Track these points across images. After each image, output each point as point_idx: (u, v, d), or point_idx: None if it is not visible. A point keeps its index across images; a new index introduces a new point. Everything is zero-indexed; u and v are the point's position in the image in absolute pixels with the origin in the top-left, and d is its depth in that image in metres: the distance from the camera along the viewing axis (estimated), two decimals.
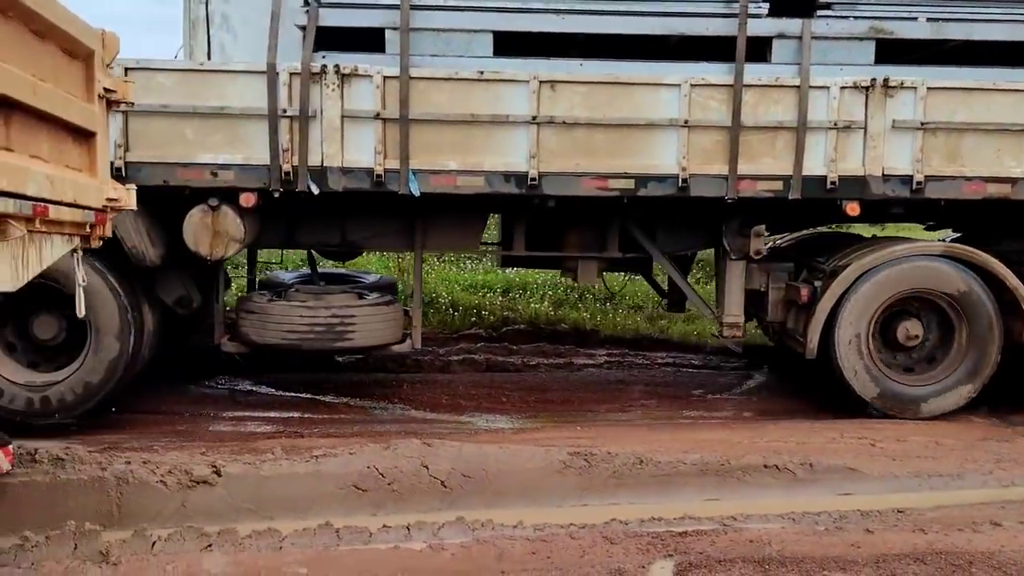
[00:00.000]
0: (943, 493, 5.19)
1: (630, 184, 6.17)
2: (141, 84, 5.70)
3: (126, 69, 5.68)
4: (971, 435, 6.24)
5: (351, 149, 5.97)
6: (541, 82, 5.98)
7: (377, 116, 5.92)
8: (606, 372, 8.27)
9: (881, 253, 6.52)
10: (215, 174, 5.90)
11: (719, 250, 7.02)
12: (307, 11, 6.02)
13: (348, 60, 5.98)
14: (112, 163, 5.69)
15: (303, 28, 6.04)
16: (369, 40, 6.19)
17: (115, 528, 4.42)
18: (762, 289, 6.90)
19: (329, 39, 6.11)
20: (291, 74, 5.86)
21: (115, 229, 5.78)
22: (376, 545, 4.26)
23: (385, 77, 5.90)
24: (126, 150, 5.77)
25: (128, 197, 4.45)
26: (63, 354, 6.15)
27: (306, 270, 8.14)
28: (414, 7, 6.03)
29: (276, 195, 5.96)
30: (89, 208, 4.01)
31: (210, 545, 4.22)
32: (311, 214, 6.62)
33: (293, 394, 7.18)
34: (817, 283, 6.62)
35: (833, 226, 8.04)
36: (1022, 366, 6.69)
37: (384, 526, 4.46)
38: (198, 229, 6.00)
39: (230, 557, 4.12)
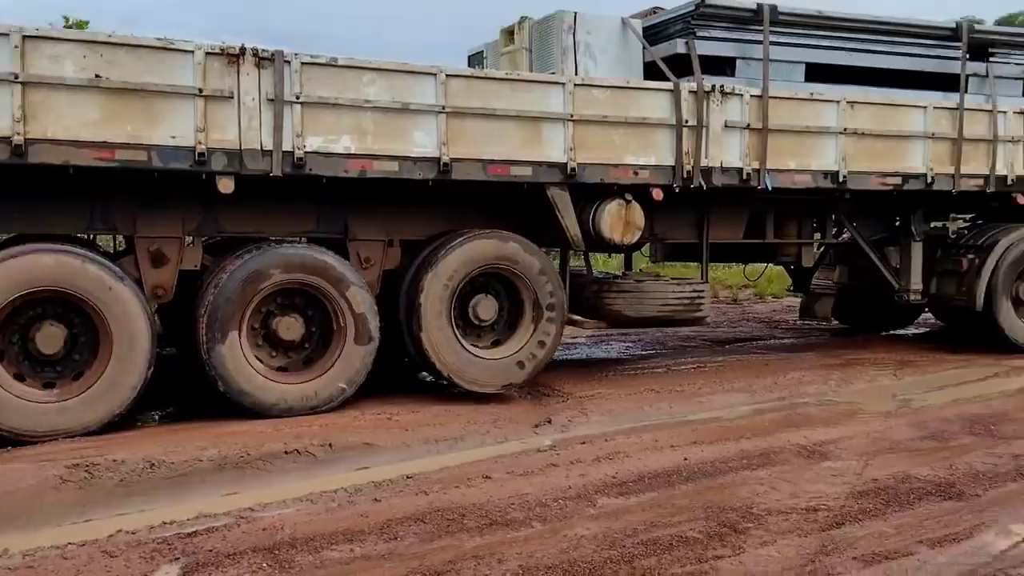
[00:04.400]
0: (448, 455, 5.45)
1: (897, 180, 8.17)
2: (581, 97, 6.86)
3: (574, 83, 6.79)
4: (477, 399, 6.75)
5: (726, 153, 7.43)
6: (848, 102, 7.83)
7: (747, 127, 7.45)
8: None
9: (1019, 232, 8.95)
10: (636, 173, 7.12)
11: (902, 234, 9.18)
12: (686, 42, 7.44)
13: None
14: (566, 164, 6.79)
15: (659, 58, 7.45)
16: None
17: None
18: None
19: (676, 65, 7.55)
20: (690, 92, 7.23)
21: (561, 219, 6.88)
22: None
23: (752, 96, 7.46)
24: (576, 152, 6.82)
25: None
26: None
27: None
28: (759, 43, 7.64)
29: (676, 190, 7.27)
30: None
31: None
32: None
33: None
34: (971, 256, 8.93)
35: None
36: None
37: None
38: (614, 220, 7.17)
39: None
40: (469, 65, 9.09)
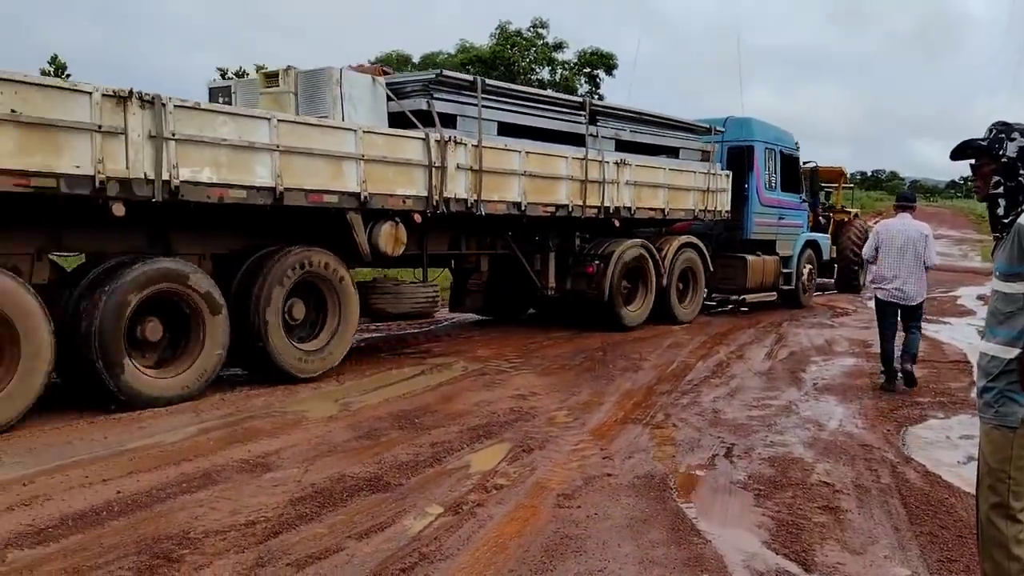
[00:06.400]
0: None
1: (553, 209, 11.33)
2: (368, 142, 8.73)
3: (362, 131, 8.63)
4: None
5: (458, 188, 9.81)
6: (526, 152, 10.75)
7: (470, 168, 9.92)
8: None
9: (624, 244, 12.82)
10: (404, 201, 9.14)
11: (541, 247, 12.48)
12: (428, 101, 9.65)
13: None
14: (360, 194, 8.62)
15: (404, 112, 9.63)
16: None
17: None
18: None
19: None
20: (436, 140, 9.45)
21: (356, 238, 8.73)
22: None
23: (472, 145, 9.94)
24: (367, 184, 8.64)
25: None
26: None
27: None
28: (473, 104, 10.15)
29: (429, 215, 9.45)
30: None
31: None
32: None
33: None
34: (597, 262, 12.60)
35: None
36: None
37: None
38: (388, 237, 9.13)
39: None
40: (211, 98, 10.14)
